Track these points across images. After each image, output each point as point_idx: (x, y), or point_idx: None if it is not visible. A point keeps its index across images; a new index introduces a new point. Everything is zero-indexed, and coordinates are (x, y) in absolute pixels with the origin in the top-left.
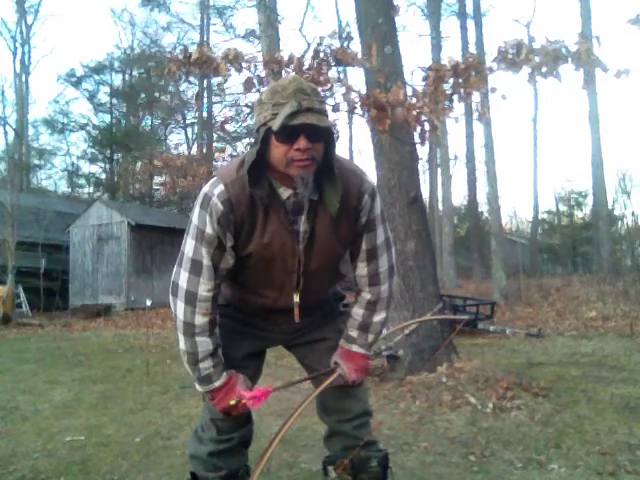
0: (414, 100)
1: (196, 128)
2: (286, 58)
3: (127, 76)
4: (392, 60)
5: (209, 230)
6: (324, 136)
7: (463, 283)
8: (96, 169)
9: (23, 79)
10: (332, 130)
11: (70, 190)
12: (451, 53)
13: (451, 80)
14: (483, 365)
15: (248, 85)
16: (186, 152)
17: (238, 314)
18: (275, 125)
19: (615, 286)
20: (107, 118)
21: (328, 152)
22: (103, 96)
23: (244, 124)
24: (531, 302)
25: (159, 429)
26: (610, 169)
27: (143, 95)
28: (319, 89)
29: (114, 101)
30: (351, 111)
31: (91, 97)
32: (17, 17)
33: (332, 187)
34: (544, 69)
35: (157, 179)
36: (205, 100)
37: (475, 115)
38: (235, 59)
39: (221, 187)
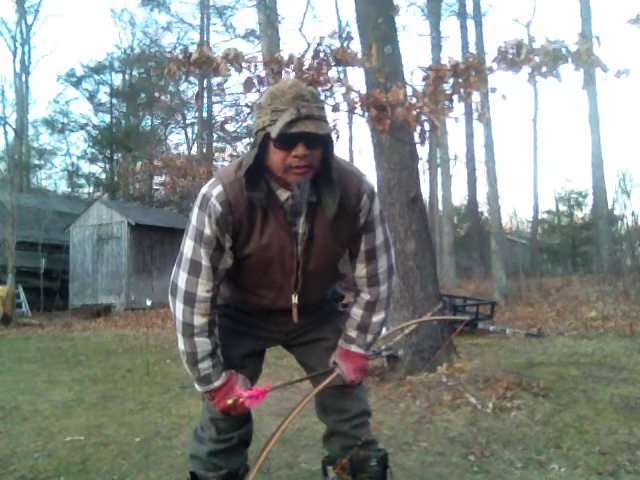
0: (414, 100)
1: (196, 128)
2: (286, 58)
3: (127, 76)
4: (392, 60)
5: (207, 231)
6: (322, 142)
7: (463, 283)
8: (96, 169)
9: (23, 79)
10: (331, 136)
11: (70, 190)
12: (451, 53)
13: (451, 80)
14: (483, 365)
15: (248, 85)
16: (186, 152)
17: (237, 314)
18: (274, 132)
19: (615, 286)
20: (107, 118)
21: (326, 157)
22: (103, 96)
23: (244, 124)
24: (531, 302)
25: (159, 429)
26: (610, 169)
27: (143, 95)
28: (319, 89)
29: (114, 101)
30: (351, 111)
31: (91, 97)
32: (17, 17)
33: (330, 191)
34: (544, 69)
35: (157, 179)
36: (205, 100)
37: (475, 115)
38: (235, 59)
39: (220, 188)
